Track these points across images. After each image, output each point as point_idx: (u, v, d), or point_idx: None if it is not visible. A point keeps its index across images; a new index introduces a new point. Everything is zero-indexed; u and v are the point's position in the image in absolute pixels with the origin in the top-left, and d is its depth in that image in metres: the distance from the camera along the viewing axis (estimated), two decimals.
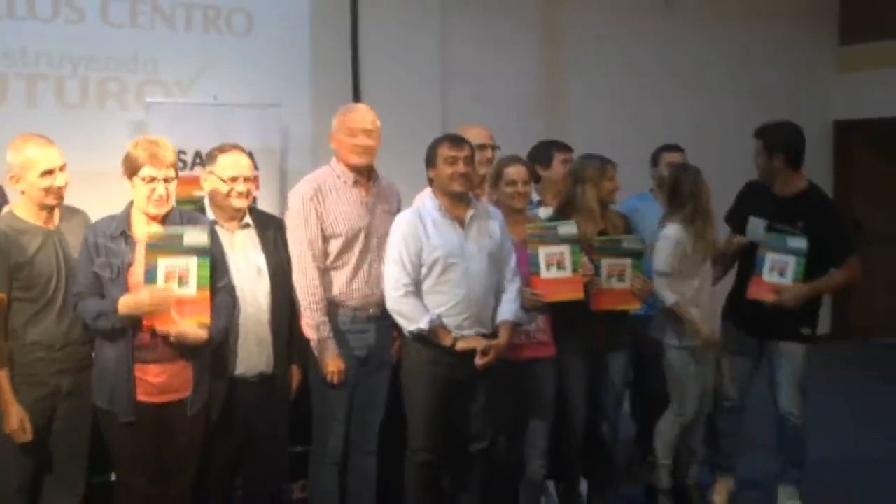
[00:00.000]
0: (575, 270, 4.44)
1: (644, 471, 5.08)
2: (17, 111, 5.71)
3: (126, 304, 3.57)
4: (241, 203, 4.01)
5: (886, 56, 8.96)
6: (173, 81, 6.29)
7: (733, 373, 5.06)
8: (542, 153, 5.19)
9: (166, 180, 3.69)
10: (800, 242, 4.76)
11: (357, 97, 6.76)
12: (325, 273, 4.23)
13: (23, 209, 3.78)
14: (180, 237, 3.65)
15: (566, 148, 5.23)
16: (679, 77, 8.44)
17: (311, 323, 4.17)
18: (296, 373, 4.27)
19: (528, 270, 4.40)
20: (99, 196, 4.06)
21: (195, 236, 3.68)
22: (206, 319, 3.68)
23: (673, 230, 4.69)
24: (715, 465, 5.20)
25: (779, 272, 4.78)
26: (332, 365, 4.18)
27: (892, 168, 9.59)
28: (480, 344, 4.11)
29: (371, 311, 4.29)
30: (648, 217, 5.01)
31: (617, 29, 8.18)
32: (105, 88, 6.13)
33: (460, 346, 4.11)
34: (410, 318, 4.13)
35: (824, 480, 5.33)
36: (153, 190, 3.67)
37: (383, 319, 4.32)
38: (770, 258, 4.80)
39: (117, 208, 3.96)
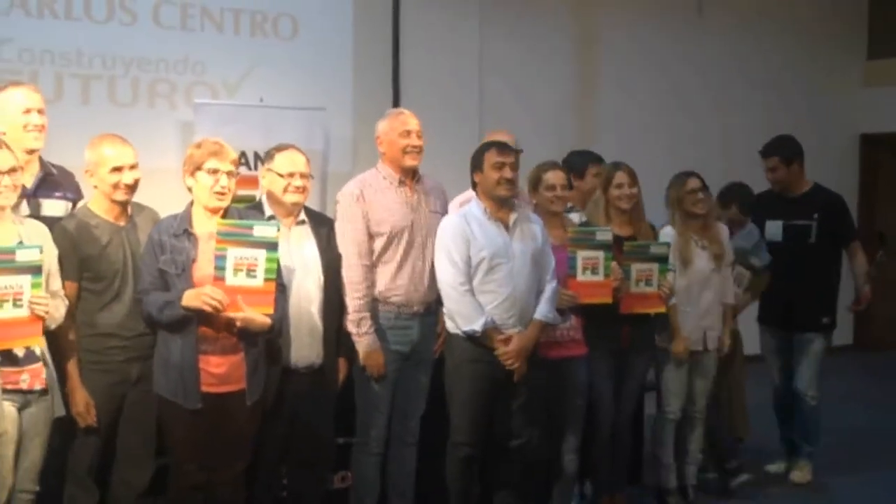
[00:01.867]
0: (606, 276, 4.59)
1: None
2: (72, 109, 5.87)
3: (189, 296, 3.69)
4: (297, 198, 4.15)
5: None
6: (221, 83, 6.46)
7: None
8: (577, 163, 5.30)
9: (229, 174, 3.84)
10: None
11: (397, 101, 6.92)
12: (371, 269, 4.36)
13: (96, 204, 3.96)
14: (251, 228, 3.76)
15: (600, 160, 5.31)
16: (708, 86, 8.54)
17: (353, 318, 4.31)
18: (343, 365, 4.39)
19: (566, 272, 4.54)
20: (148, 192, 4.18)
21: (265, 230, 3.78)
22: (270, 310, 3.79)
23: (669, 230, 4.95)
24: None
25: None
26: (370, 359, 4.33)
27: None
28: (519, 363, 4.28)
29: (415, 307, 4.43)
30: None
31: (649, 36, 8.31)
32: (155, 89, 6.31)
33: (500, 352, 4.26)
34: (467, 317, 4.27)
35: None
36: (217, 181, 3.80)
37: (427, 316, 4.48)
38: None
39: (165, 203, 4.15)
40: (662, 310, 4.81)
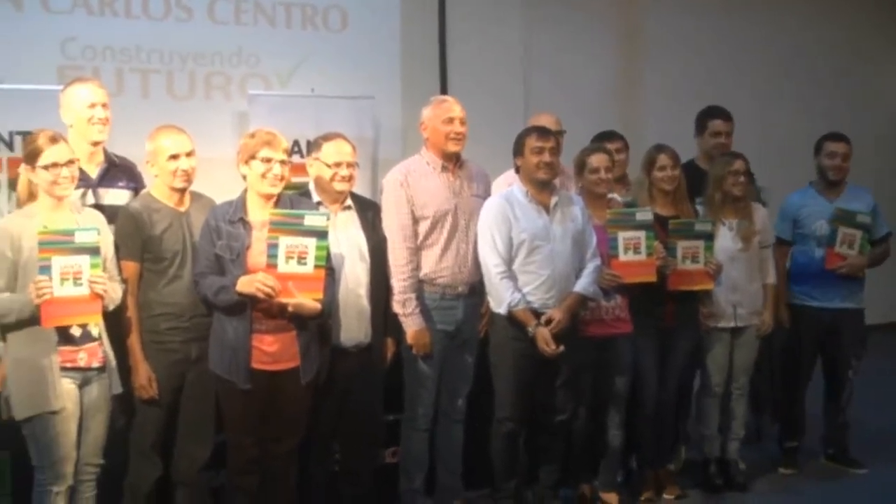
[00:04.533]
0: (649, 255, 4.69)
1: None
2: (132, 103, 6.06)
3: (243, 282, 3.86)
4: (344, 187, 4.30)
5: None
6: (273, 75, 6.64)
7: None
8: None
9: (282, 163, 3.99)
10: (865, 218, 5.25)
11: (444, 89, 7.04)
12: (416, 252, 4.51)
13: (157, 191, 4.16)
14: (302, 218, 3.92)
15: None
16: (748, 72, 8.53)
17: (399, 299, 4.46)
18: (390, 344, 4.54)
19: (608, 252, 4.67)
20: (205, 180, 4.36)
21: (315, 219, 3.93)
22: (320, 295, 3.95)
23: (702, 210, 5.07)
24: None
25: (848, 244, 5.21)
26: (416, 338, 4.48)
27: None
28: (549, 344, 4.35)
29: (459, 288, 4.57)
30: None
31: (691, 22, 8.32)
32: (211, 81, 6.52)
33: (535, 333, 4.36)
34: (497, 299, 4.44)
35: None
36: (270, 170, 3.96)
37: (471, 297, 4.61)
38: (841, 231, 5.21)
39: (221, 191, 4.31)
40: (710, 286, 4.92)
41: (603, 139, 5.25)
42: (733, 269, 5.03)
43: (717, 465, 5.25)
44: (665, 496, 5.07)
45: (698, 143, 5.67)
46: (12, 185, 4.60)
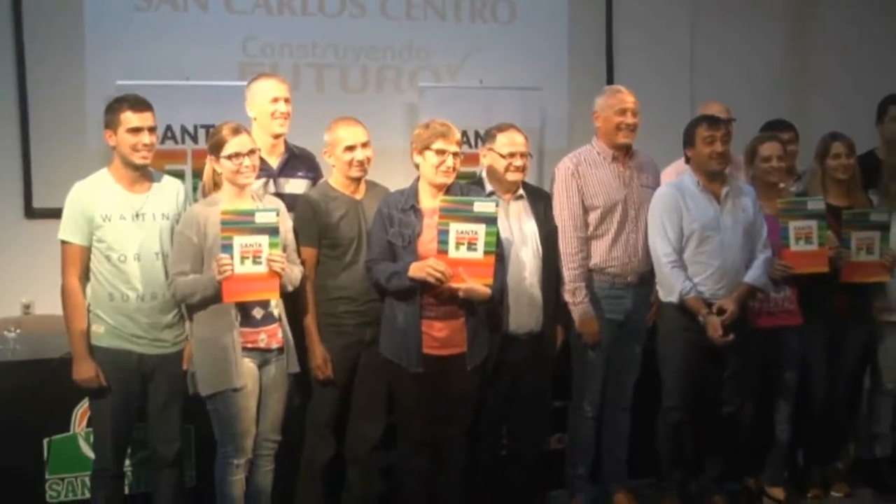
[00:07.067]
0: (821, 244, 4.60)
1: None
2: (308, 97, 6.19)
3: (415, 268, 3.98)
4: (517, 177, 4.35)
5: None
6: (443, 67, 6.70)
7: None
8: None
9: (454, 155, 4.10)
10: None
11: (611, 79, 6.98)
12: (586, 241, 4.55)
13: (335, 180, 4.32)
14: (471, 204, 4.00)
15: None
16: None
17: (569, 288, 4.50)
18: (559, 333, 4.59)
19: (779, 242, 4.59)
20: (377, 169, 4.47)
21: (485, 205, 4.01)
22: (490, 281, 4.02)
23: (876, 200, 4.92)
24: None
25: None
26: (585, 327, 4.51)
27: None
28: (718, 329, 4.32)
29: (629, 278, 4.58)
30: None
31: (864, 7, 8.04)
32: (383, 75, 6.64)
33: (706, 321, 4.35)
34: (668, 288, 4.45)
35: None
36: (443, 161, 4.07)
37: (640, 286, 4.62)
38: None
39: (393, 180, 4.46)
40: (886, 279, 4.80)
41: (773, 128, 5.16)
42: None
43: (890, 465, 5.09)
44: (833, 493, 4.97)
45: (879, 132, 5.45)
46: (197, 174, 4.83)
